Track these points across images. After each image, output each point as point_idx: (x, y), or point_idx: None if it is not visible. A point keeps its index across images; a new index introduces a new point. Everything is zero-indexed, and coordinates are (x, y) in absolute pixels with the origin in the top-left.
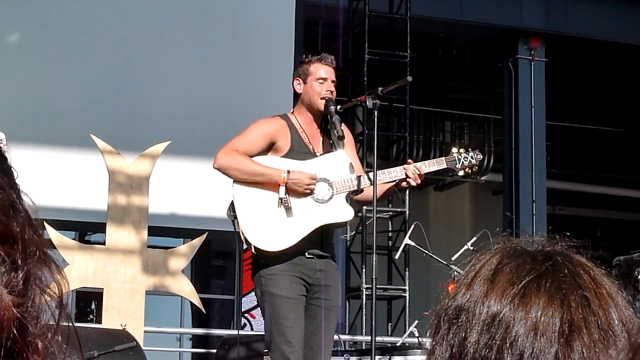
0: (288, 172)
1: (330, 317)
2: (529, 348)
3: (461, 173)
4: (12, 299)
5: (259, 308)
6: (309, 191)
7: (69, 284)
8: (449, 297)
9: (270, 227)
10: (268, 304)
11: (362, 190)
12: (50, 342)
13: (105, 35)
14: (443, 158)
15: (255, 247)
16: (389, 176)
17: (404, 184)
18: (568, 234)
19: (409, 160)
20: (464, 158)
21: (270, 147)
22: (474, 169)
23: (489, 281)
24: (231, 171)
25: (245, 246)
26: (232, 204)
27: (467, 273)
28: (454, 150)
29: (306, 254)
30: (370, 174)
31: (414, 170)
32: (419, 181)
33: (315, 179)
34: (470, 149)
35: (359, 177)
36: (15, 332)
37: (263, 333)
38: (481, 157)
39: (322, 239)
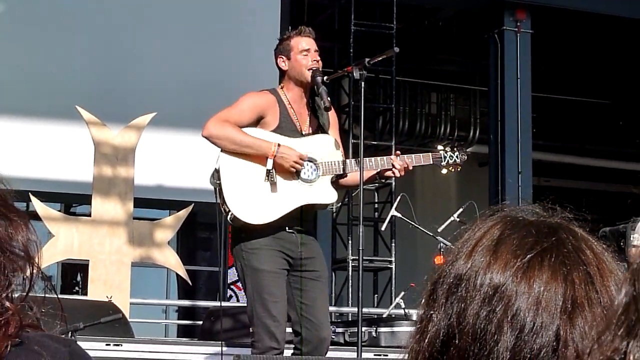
0: (278, 145)
1: (322, 288)
2: (530, 323)
3: (444, 171)
4: None
5: None
6: (293, 169)
7: (42, 255)
8: (447, 265)
9: (254, 200)
10: (250, 279)
11: (346, 175)
12: (34, 313)
13: (92, 7)
14: (429, 154)
15: (234, 219)
16: (375, 164)
17: (388, 173)
18: (568, 205)
19: (397, 152)
20: (449, 157)
21: (258, 121)
22: (457, 168)
23: (492, 252)
24: (221, 140)
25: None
26: (216, 171)
27: (467, 241)
28: (440, 147)
29: (287, 228)
30: (355, 160)
31: (401, 163)
32: (403, 173)
33: (304, 159)
34: (456, 148)
35: (344, 162)
36: None
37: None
38: (466, 157)
39: (302, 215)
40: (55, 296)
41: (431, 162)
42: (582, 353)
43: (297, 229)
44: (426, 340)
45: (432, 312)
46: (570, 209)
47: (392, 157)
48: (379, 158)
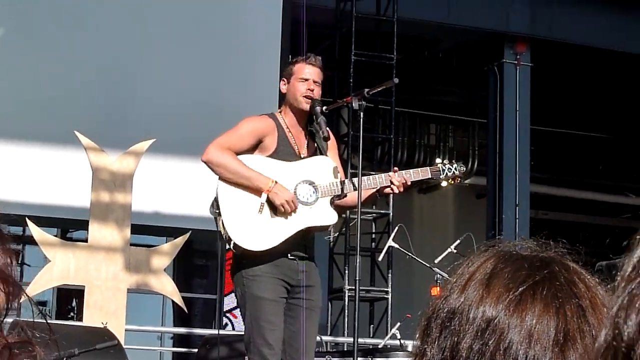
0: (275, 182)
1: (313, 317)
2: (522, 356)
3: (444, 183)
4: None
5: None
6: (282, 209)
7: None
8: (441, 298)
9: (254, 226)
10: (249, 305)
11: (345, 195)
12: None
13: (92, 32)
14: (428, 168)
15: (235, 246)
16: (373, 182)
17: (387, 190)
18: (562, 239)
19: (395, 168)
20: (447, 169)
21: (257, 145)
22: (457, 180)
23: (485, 285)
24: (219, 168)
25: (228, 245)
26: (216, 200)
27: (460, 275)
28: (439, 160)
29: (289, 255)
30: (355, 179)
31: (399, 179)
32: (402, 189)
33: (295, 204)
34: (454, 161)
35: (342, 182)
36: None
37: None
38: (464, 169)
39: (304, 240)
40: (46, 321)
41: (430, 176)
42: None
43: (299, 255)
44: None
45: (425, 346)
46: (563, 243)
47: (390, 173)
48: (377, 176)
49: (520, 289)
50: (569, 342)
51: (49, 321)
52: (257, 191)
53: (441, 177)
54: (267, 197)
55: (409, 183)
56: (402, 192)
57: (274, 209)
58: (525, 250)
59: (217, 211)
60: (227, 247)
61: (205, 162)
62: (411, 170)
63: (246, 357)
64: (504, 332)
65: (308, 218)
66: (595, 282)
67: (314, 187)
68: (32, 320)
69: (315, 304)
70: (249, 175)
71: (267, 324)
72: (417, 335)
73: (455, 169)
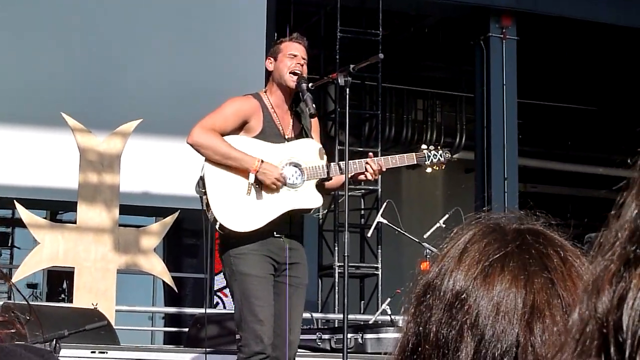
0: (262, 161)
1: (299, 294)
2: (490, 329)
3: (429, 170)
4: None
5: None
6: (274, 187)
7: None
8: (422, 274)
9: (240, 207)
10: (238, 283)
11: (331, 178)
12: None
13: (77, 14)
14: (413, 154)
15: (221, 226)
16: (350, 168)
17: (361, 177)
18: (544, 211)
19: (370, 154)
20: (433, 155)
21: (242, 126)
22: (441, 167)
23: (456, 259)
24: (205, 150)
25: (214, 226)
26: (202, 180)
27: (441, 250)
28: (424, 146)
29: (274, 233)
30: (340, 163)
31: (375, 166)
32: (377, 176)
33: (284, 181)
34: (439, 147)
35: (328, 165)
36: None
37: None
38: (450, 155)
39: (289, 219)
40: (27, 303)
41: (415, 162)
42: (541, 359)
43: (285, 233)
44: (398, 349)
45: (405, 321)
46: (548, 215)
47: (367, 160)
48: (357, 161)
49: (489, 261)
50: (536, 315)
51: (39, 303)
52: (244, 172)
53: (426, 162)
54: (255, 178)
55: (384, 169)
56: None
57: (261, 190)
58: (507, 223)
59: (203, 190)
60: (215, 227)
61: (191, 145)
62: (396, 156)
63: (237, 335)
64: (471, 305)
65: (293, 200)
66: (574, 253)
67: (300, 169)
68: (20, 302)
69: (301, 281)
70: (235, 156)
71: (256, 300)
72: (402, 311)
73: (441, 155)
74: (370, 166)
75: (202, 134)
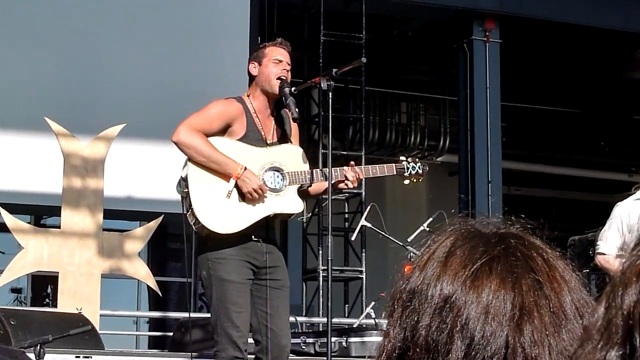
0: (245, 168)
1: (283, 296)
2: (479, 332)
3: (406, 182)
4: None
5: None
6: (250, 196)
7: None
8: (404, 279)
9: (222, 209)
10: (215, 288)
11: (311, 185)
12: None
13: (60, 18)
14: (393, 165)
15: (201, 228)
16: (333, 175)
17: (341, 185)
18: (523, 215)
19: (352, 163)
20: (412, 167)
21: (225, 129)
22: (418, 179)
23: (442, 264)
24: (189, 150)
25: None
26: (183, 180)
27: (422, 255)
28: (403, 158)
29: (253, 237)
30: (322, 170)
31: (353, 174)
32: (355, 184)
33: (263, 193)
34: (418, 160)
35: (310, 172)
36: None
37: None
38: (427, 168)
39: (267, 223)
40: (27, 308)
41: (394, 173)
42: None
43: (263, 237)
44: (383, 355)
45: (389, 327)
46: (524, 219)
47: (345, 168)
48: (337, 169)
49: (476, 265)
50: (525, 316)
51: (23, 308)
52: (226, 176)
53: (405, 174)
54: (236, 183)
55: (362, 177)
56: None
57: (242, 194)
58: (487, 227)
59: (185, 190)
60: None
61: (175, 143)
62: (377, 166)
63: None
64: (461, 309)
65: (274, 205)
66: (554, 255)
67: (282, 174)
68: (5, 307)
69: (283, 283)
70: (219, 160)
71: (233, 306)
72: (383, 315)
73: (419, 167)
74: (349, 174)
75: (187, 134)
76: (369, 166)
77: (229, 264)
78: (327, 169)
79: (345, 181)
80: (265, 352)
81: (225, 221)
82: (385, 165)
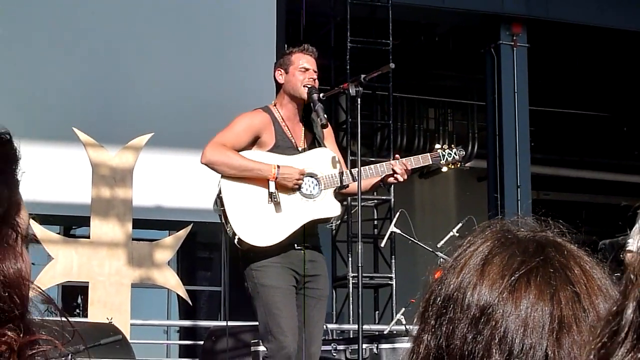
0: (278, 167)
1: (320, 307)
2: (518, 344)
3: (444, 169)
4: None
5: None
6: (297, 186)
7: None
8: (438, 284)
9: (260, 222)
10: (261, 296)
11: (347, 186)
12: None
13: (88, 28)
14: (428, 155)
15: (240, 241)
16: (375, 171)
17: (391, 179)
18: (560, 220)
19: (397, 156)
20: (447, 154)
21: (254, 142)
22: (457, 165)
23: (479, 272)
24: (220, 166)
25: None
26: (219, 198)
27: (457, 259)
28: (438, 146)
29: (295, 245)
30: (355, 170)
31: (401, 167)
32: (406, 177)
33: (304, 174)
34: (453, 145)
35: (342, 173)
36: None
37: (250, 324)
38: (464, 153)
39: (308, 231)
40: (58, 318)
41: (430, 162)
42: None
43: (304, 246)
44: None
45: (422, 333)
46: (561, 223)
47: (392, 161)
48: (378, 165)
49: (514, 277)
50: (564, 329)
51: (55, 318)
52: (262, 183)
53: (441, 162)
54: (276, 184)
55: (409, 169)
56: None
57: (279, 200)
58: (523, 231)
59: (222, 209)
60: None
61: (205, 164)
62: (412, 158)
63: (253, 348)
64: (498, 320)
65: (312, 211)
66: (592, 264)
67: (317, 179)
68: (42, 318)
69: (322, 292)
70: (251, 167)
71: (280, 311)
72: (415, 321)
73: (455, 153)
74: (398, 167)
75: (214, 152)
76: (404, 159)
77: (271, 271)
78: (361, 170)
79: (395, 175)
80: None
81: (263, 233)
82: (420, 155)
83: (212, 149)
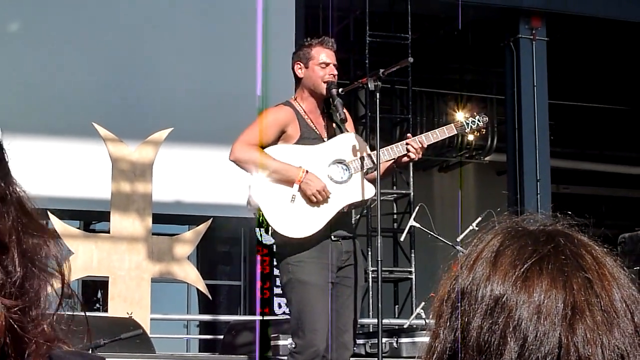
0: (306, 172)
1: (353, 295)
2: (532, 332)
3: (471, 137)
4: (7, 303)
5: None
6: (314, 199)
7: (71, 269)
8: (451, 279)
9: (294, 214)
10: (296, 291)
11: (373, 169)
12: (57, 331)
13: (107, 23)
14: (452, 125)
15: (274, 234)
16: (392, 152)
17: (404, 159)
18: (569, 212)
19: (409, 135)
20: (471, 122)
21: (280, 135)
22: (482, 131)
23: (491, 264)
24: (247, 165)
25: (271, 239)
26: (252, 197)
27: (469, 254)
28: (460, 115)
29: (332, 237)
30: (373, 153)
31: (416, 145)
32: (420, 155)
33: (327, 193)
34: (475, 113)
35: (362, 158)
36: (9, 336)
37: (274, 318)
38: (487, 119)
39: (344, 219)
40: (82, 313)
41: (455, 132)
42: (584, 359)
43: (342, 235)
44: (434, 357)
45: (438, 327)
46: (570, 215)
47: (407, 140)
48: (394, 145)
49: (526, 266)
50: (577, 315)
51: (75, 313)
52: (289, 182)
53: (466, 130)
54: (299, 187)
55: (425, 145)
56: (424, 167)
57: (307, 197)
58: (533, 225)
59: (257, 207)
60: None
61: (233, 162)
62: (436, 130)
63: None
64: (512, 309)
65: (346, 196)
66: (602, 252)
67: (345, 164)
68: (68, 313)
69: (353, 281)
70: (279, 168)
71: (313, 308)
72: (431, 316)
73: (479, 120)
74: (412, 146)
75: (242, 150)
76: (429, 132)
77: (307, 267)
78: (386, 149)
79: (409, 153)
80: (328, 349)
81: (300, 225)
82: (445, 127)
83: (241, 146)
